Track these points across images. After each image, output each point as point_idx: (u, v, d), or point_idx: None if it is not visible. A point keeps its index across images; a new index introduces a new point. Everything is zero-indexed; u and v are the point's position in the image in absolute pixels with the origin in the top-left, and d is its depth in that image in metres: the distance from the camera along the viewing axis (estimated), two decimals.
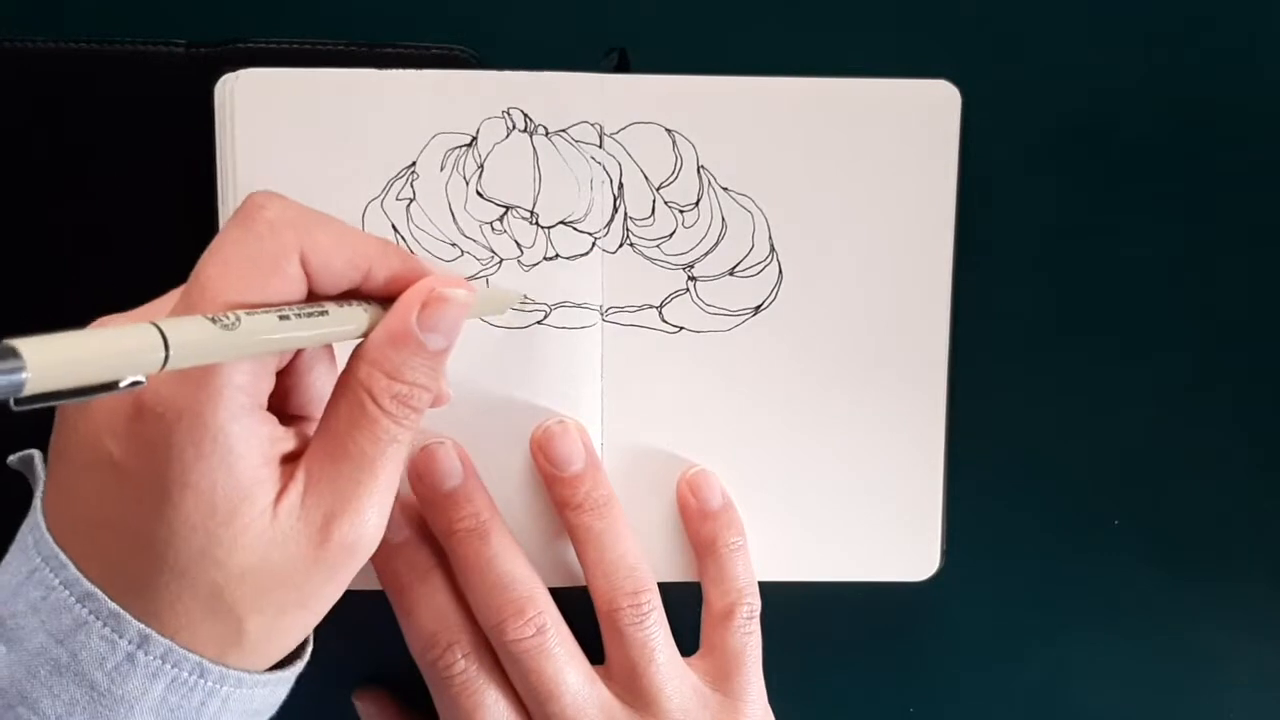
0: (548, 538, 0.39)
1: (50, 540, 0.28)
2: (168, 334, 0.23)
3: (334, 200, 0.36)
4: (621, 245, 0.38)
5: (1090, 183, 0.42)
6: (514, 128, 0.37)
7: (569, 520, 0.38)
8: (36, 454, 0.31)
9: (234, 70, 0.36)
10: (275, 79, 0.36)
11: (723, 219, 0.38)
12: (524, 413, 0.38)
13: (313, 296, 0.29)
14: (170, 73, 0.38)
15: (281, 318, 0.27)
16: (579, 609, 0.37)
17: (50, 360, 0.20)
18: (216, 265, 0.28)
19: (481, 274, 0.38)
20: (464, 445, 0.37)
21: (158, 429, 0.27)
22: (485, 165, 0.37)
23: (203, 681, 0.28)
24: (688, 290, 0.39)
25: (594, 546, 0.37)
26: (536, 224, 0.38)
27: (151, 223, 0.39)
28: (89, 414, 0.28)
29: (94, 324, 0.28)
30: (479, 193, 0.37)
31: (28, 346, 0.20)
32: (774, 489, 0.40)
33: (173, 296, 0.29)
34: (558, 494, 0.38)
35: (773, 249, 0.39)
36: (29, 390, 0.20)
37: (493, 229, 0.37)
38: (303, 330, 0.28)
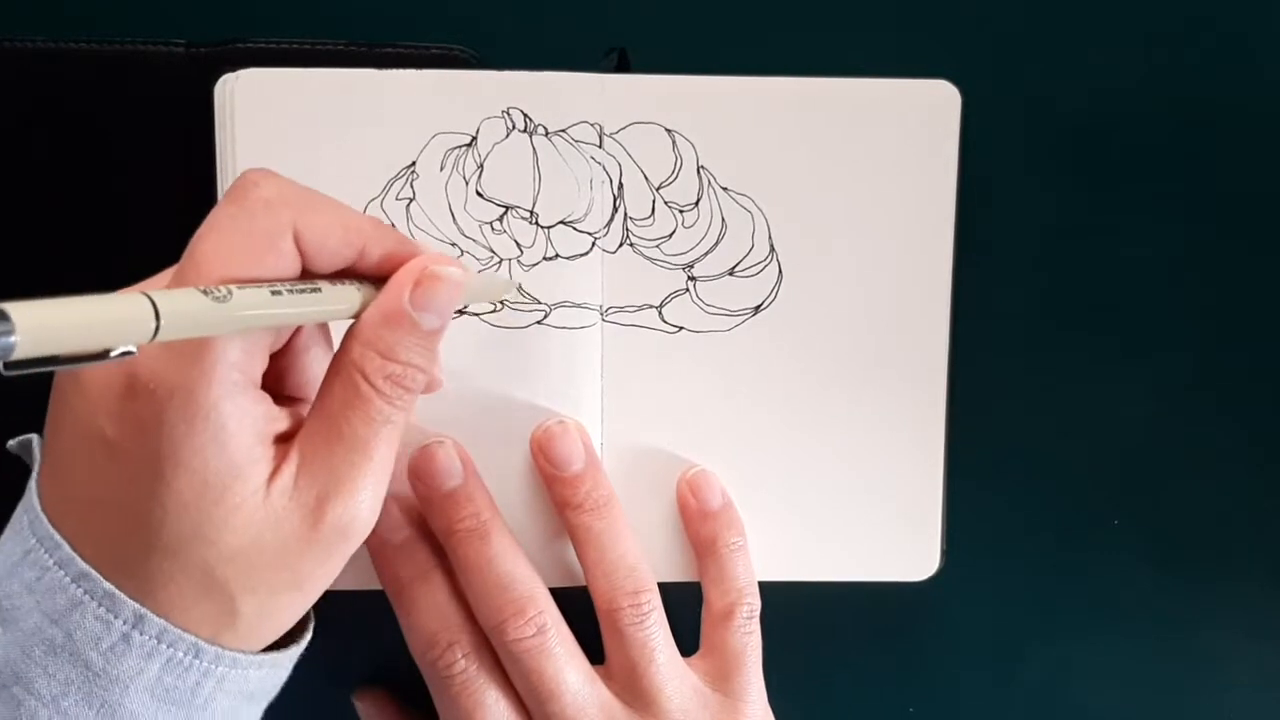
0: (548, 537, 0.39)
1: (45, 520, 0.28)
2: (159, 304, 0.23)
3: None
4: (621, 245, 0.38)
5: (1090, 182, 0.42)
6: (514, 128, 0.37)
7: (569, 520, 0.38)
8: (35, 438, 0.31)
9: (234, 70, 0.36)
10: (275, 79, 0.36)
11: (722, 219, 0.38)
12: (524, 413, 0.38)
13: (306, 275, 0.29)
14: (170, 73, 0.38)
15: (274, 293, 0.27)
16: (579, 609, 0.37)
17: (40, 324, 0.20)
18: (210, 241, 0.27)
19: (481, 274, 0.38)
20: (464, 445, 0.37)
21: (150, 406, 0.27)
22: (485, 165, 0.37)
23: (198, 662, 0.28)
24: (687, 290, 0.39)
25: (594, 546, 0.37)
26: (536, 224, 0.38)
27: (151, 222, 0.39)
28: (82, 391, 0.28)
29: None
30: (479, 193, 0.37)
31: (17, 310, 0.20)
32: (774, 489, 0.40)
33: (166, 274, 0.29)
34: (558, 494, 0.38)
35: (772, 249, 0.39)
36: (18, 354, 0.20)
37: (492, 229, 0.37)
38: (295, 307, 0.27)
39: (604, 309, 0.38)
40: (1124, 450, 0.43)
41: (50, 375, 0.28)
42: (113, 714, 0.28)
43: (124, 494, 0.27)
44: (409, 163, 0.37)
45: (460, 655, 0.36)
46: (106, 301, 0.22)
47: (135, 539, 0.28)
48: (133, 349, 0.23)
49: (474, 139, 0.37)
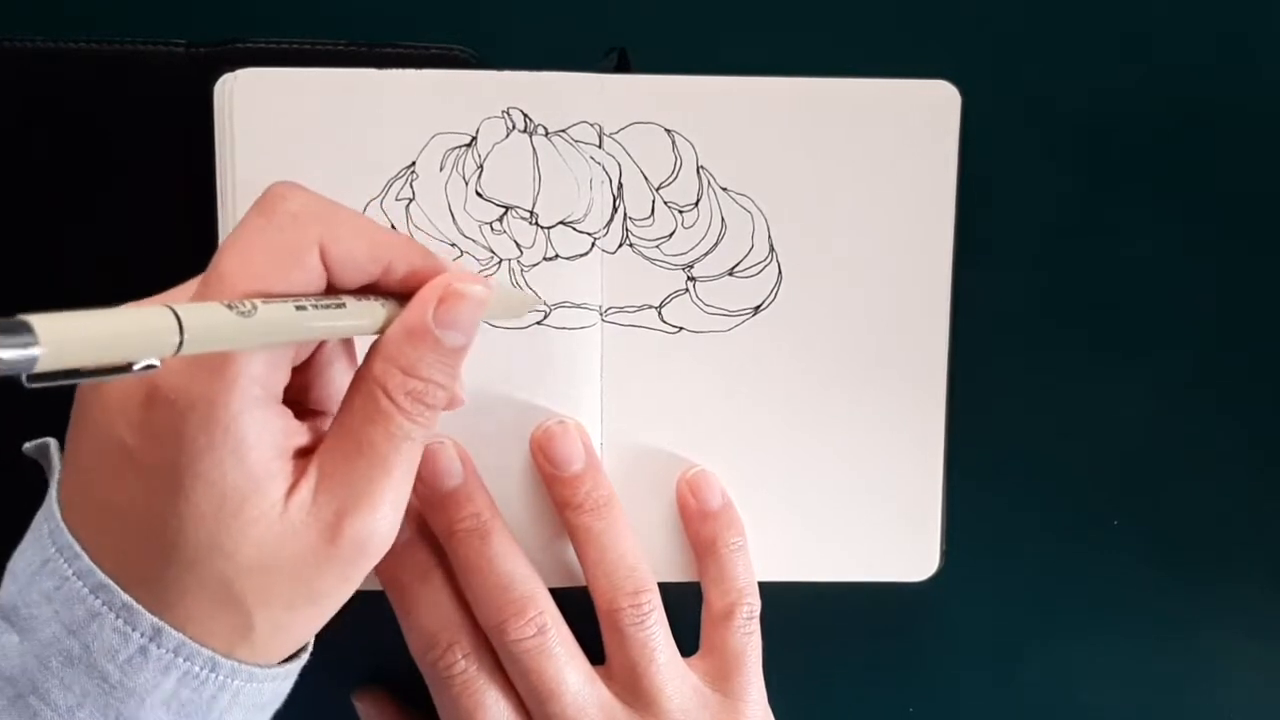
0: (548, 538, 0.39)
1: (65, 530, 0.28)
2: (183, 318, 0.23)
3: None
4: (621, 245, 0.38)
5: (1090, 182, 0.42)
6: (513, 128, 0.37)
7: (569, 520, 0.38)
8: (52, 441, 0.31)
9: (234, 70, 0.36)
10: (275, 79, 0.36)
11: (722, 219, 0.38)
12: (524, 413, 0.38)
13: (331, 290, 0.29)
14: (170, 73, 0.38)
15: (298, 308, 0.27)
16: (579, 609, 0.37)
17: (64, 337, 0.20)
18: (236, 254, 0.27)
19: (481, 274, 0.38)
20: (464, 445, 0.37)
21: (170, 417, 0.27)
22: (485, 165, 0.37)
23: (214, 676, 0.28)
24: (687, 290, 0.39)
25: (594, 546, 0.37)
26: (536, 224, 0.38)
27: (152, 223, 0.39)
28: (104, 401, 0.28)
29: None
30: (478, 193, 0.37)
31: (42, 322, 0.20)
32: (774, 489, 0.40)
33: (190, 285, 0.29)
34: (558, 494, 0.38)
35: (772, 249, 0.39)
36: (41, 367, 0.20)
37: (492, 229, 0.37)
38: (319, 322, 0.27)
39: (604, 309, 0.38)
40: (1124, 450, 0.43)
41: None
42: None
43: (143, 505, 0.27)
44: (409, 163, 0.37)
45: (460, 656, 0.36)
46: (131, 315, 0.22)
47: (153, 550, 0.28)
48: (155, 362, 0.23)
49: (474, 139, 0.37)
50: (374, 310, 0.29)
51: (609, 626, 0.37)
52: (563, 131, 0.37)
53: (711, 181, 0.38)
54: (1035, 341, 0.43)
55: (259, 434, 0.27)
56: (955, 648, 0.44)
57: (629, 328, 0.38)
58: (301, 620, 0.30)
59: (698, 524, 0.39)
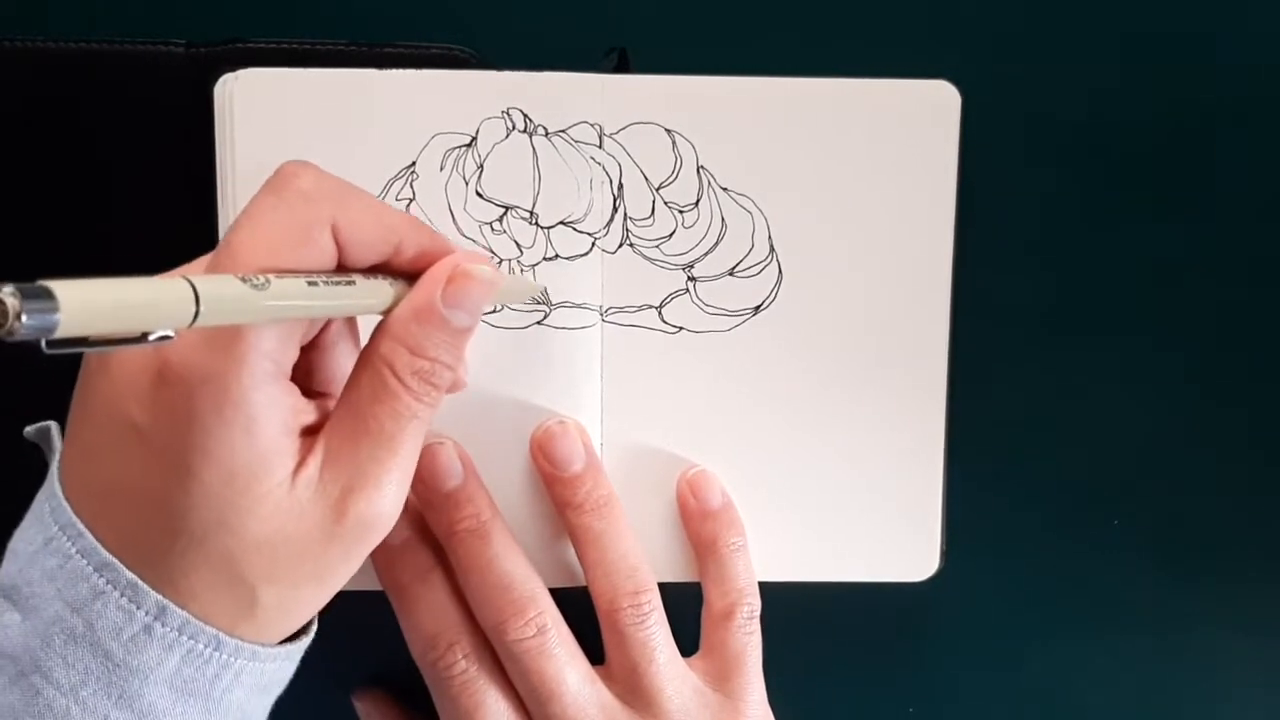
0: (548, 538, 0.39)
1: (67, 508, 0.28)
2: (199, 289, 0.23)
3: None
4: (621, 245, 0.38)
5: (1090, 182, 0.42)
6: (513, 128, 0.37)
7: (569, 520, 0.38)
8: (53, 425, 0.31)
9: (234, 70, 0.36)
10: (275, 79, 0.36)
11: (722, 219, 0.38)
12: (524, 413, 0.38)
13: (340, 269, 0.29)
14: (170, 73, 0.38)
15: (310, 284, 0.27)
16: (579, 609, 0.37)
17: (83, 304, 0.20)
18: (248, 230, 0.28)
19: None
20: (464, 445, 0.37)
21: (180, 393, 0.27)
22: (485, 165, 0.37)
23: (218, 654, 0.28)
24: (687, 290, 0.39)
25: (594, 547, 0.37)
26: (536, 224, 0.38)
27: (151, 222, 0.39)
28: (111, 377, 0.28)
29: None
30: (478, 193, 0.37)
31: (62, 288, 0.20)
32: (774, 489, 0.40)
33: (199, 263, 0.29)
34: (558, 494, 0.38)
35: (772, 249, 0.39)
36: (61, 333, 0.20)
37: (492, 229, 0.37)
38: (330, 299, 0.28)
39: (604, 309, 0.38)
40: (1124, 450, 0.43)
41: (72, 364, 0.28)
42: (131, 705, 0.28)
43: (149, 481, 0.27)
44: (409, 163, 0.37)
45: (460, 656, 0.36)
46: (148, 284, 0.22)
47: (159, 527, 0.28)
48: (170, 333, 0.23)
49: (474, 139, 0.37)
50: (383, 289, 0.30)
51: (609, 627, 0.37)
52: (563, 131, 0.37)
53: (711, 181, 0.38)
54: (1035, 341, 0.43)
55: (269, 411, 0.28)
56: (955, 648, 0.44)
57: (629, 328, 0.38)
58: (305, 597, 0.30)
59: (698, 524, 0.39)
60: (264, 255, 0.27)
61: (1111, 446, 0.43)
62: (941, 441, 0.40)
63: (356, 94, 0.36)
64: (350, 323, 0.33)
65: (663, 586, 0.38)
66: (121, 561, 0.28)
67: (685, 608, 0.39)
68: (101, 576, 0.27)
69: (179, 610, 0.28)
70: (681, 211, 0.38)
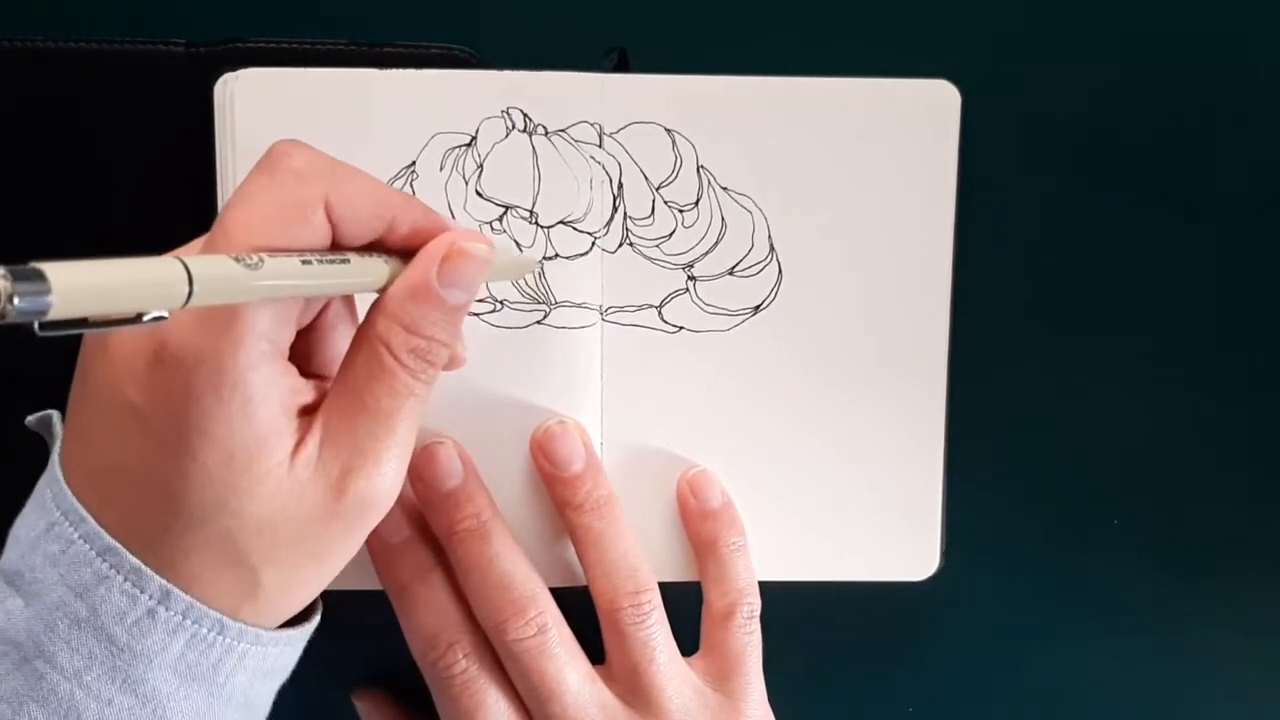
0: (548, 537, 0.39)
1: (69, 494, 0.28)
2: (192, 268, 0.23)
3: None
4: (621, 245, 0.38)
5: (1090, 182, 0.42)
6: (513, 127, 0.37)
7: (570, 520, 0.38)
8: (55, 414, 0.31)
9: (234, 70, 0.36)
10: (275, 79, 0.36)
11: (722, 219, 0.38)
12: (524, 413, 0.38)
13: (335, 247, 0.29)
14: (170, 73, 0.38)
15: (304, 262, 0.27)
16: (579, 609, 0.37)
17: (75, 285, 0.20)
18: (241, 210, 0.28)
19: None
20: (464, 445, 0.37)
21: (178, 374, 0.27)
22: (485, 165, 0.37)
23: (221, 638, 0.29)
24: (687, 290, 0.39)
25: (595, 546, 0.37)
26: (536, 224, 0.38)
27: (151, 222, 0.39)
28: (109, 360, 0.28)
29: None
30: (478, 192, 0.37)
31: (54, 270, 0.20)
32: (774, 489, 0.40)
33: (194, 245, 0.29)
34: (558, 494, 0.38)
35: (772, 249, 0.39)
36: (54, 315, 0.20)
37: (492, 229, 0.37)
38: (325, 278, 0.28)
39: (604, 309, 0.38)
40: (1124, 450, 0.43)
41: (71, 352, 0.28)
42: (135, 689, 0.28)
43: (149, 464, 0.27)
44: (409, 163, 0.37)
45: (461, 655, 0.36)
46: (140, 264, 0.22)
47: (159, 509, 0.28)
48: (164, 314, 0.23)
49: (474, 139, 0.37)
50: (377, 267, 0.29)
51: (609, 626, 0.37)
52: (563, 131, 0.37)
53: (711, 181, 0.38)
54: (1035, 341, 0.43)
55: (266, 391, 0.28)
56: (955, 648, 0.44)
57: (629, 327, 0.38)
58: (306, 578, 0.30)
59: (698, 524, 0.39)
60: (257, 234, 0.27)
61: (1111, 446, 0.43)
62: (941, 441, 0.40)
63: (356, 94, 0.36)
64: (349, 304, 0.33)
65: (663, 586, 0.38)
66: (124, 545, 0.28)
67: (685, 607, 0.39)
68: (104, 561, 0.28)
69: (183, 594, 0.28)
70: (681, 211, 0.38)
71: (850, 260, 0.39)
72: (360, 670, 0.42)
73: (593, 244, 0.38)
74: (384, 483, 0.30)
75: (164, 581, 0.28)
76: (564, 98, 0.37)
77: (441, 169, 0.37)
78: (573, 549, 0.38)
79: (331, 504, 0.29)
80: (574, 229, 0.38)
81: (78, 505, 0.28)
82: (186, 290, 0.23)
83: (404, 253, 0.30)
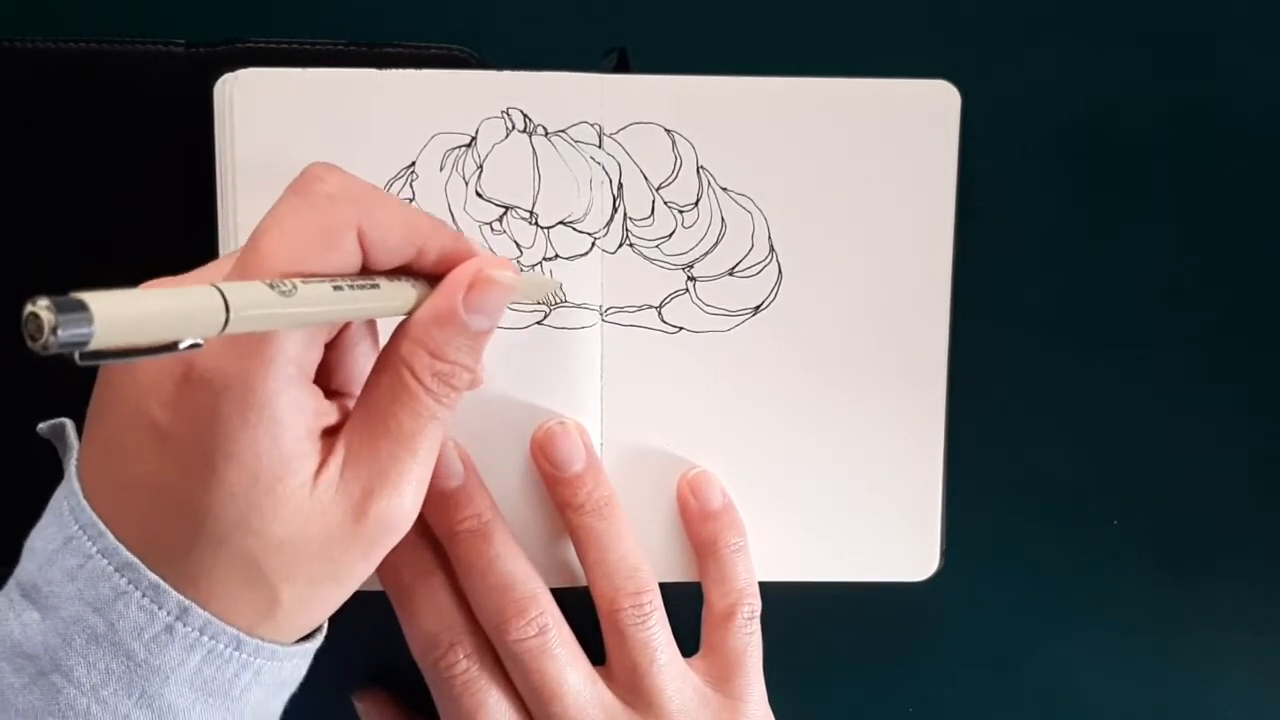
0: (549, 538, 0.39)
1: (88, 508, 0.28)
2: (229, 297, 0.23)
3: None
4: (621, 245, 0.38)
5: (1090, 182, 0.42)
6: (513, 128, 0.37)
7: (570, 521, 0.38)
8: (68, 422, 0.31)
9: (234, 70, 0.36)
10: (275, 79, 0.36)
11: (722, 219, 0.38)
12: (524, 413, 0.38)
13: (364, 270, 0.29)
14: (170, 73, 0.38)
15: (336, 288, 0.27)
16: (580, 609, 0.37)
17: (116, 315, 0.20)
18: (274, 234, 0.28)
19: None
20: (465, 445, 0.37)
21: (206, 396, 0.27)
22: (484, 165, 0.37)
23: (238, 654, 0.29)
24: (687, 290, 0.39)
25: (595, 547, 0.37)
26: (536, 224, 0.38)
27: (151, 222, 0.39)
28: (133, 378, 0.28)
29: (144, 285, 0.28)
30: (478, 193, 0.37)
31: (96, 300, 0.20)
32: (774, 489, 0.40)
33: (216, 266, 0.29)
34: (559, 495, 0.38)
35: (772, 249, 0.39)
36: (94, 345, 0.20)
37: (492, 229, 0.37)
38: (355, 303, 0.28)
39: (604, 309, 0.38)
40: (1124, 450, 0.43)
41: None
42: (151, 704, 0.28)
43: (172, 482, 0.27)
44: (409, 163, 0.37)
45: (462, 656, 0.36)
46: (180, 294, 0.22)
47: (180, 527, 0.28)
48: (200, 341, 0.23)
49: (474, 139, 0.37)
50: (405, 291, 0.30)
51: (610, 627, 0.37)
52: (563, 131, 0.37)
53: (711, 181, 0.38)
54: (1035, 341, 0.43)
55: (293, 414, 0.28)
56: (955, 648, 0.44)
57: (629, 328, 0.38)
58: (323, 597, 0.30)
59: (698, 524, 0.39)
60: (290, 259, 0.27)
61: (1111, 446, 0.43)
62: (941, 441, 0.40)
63: (356, 94, 0.36)
64: (370, 324, 0.33)
65: (663, 587, 0.38)
66: (142, 561, 0.28)
67: (685, 608, 0.39)
68: (123, 577, 0.28)
69: (201, 610, 0.28)
70: (681, 211, 0.38)
71: (850, 260, 0.39)
72: (360, 670, 0.42)
73: (592, 244, 0.38)
74: (404, 505, 0.30)
75: (182, 597, 0.28)
76: (564, 98, 0.37)
77: (441, 169, 0.37)
78: (573, 549, 0.38)
79: (352, 525, 0.29)
80: (574, 229, 0.38)
81: (96, 519, 0.28)
82: (224, 318, 0.23)
83: (431, 276, 0.31)
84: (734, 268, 0.39)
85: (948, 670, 0.44)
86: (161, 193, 0.38)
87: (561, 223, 0.38)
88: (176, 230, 0.38)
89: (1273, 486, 0.44)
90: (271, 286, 0.25)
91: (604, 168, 0.38)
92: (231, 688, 0.29)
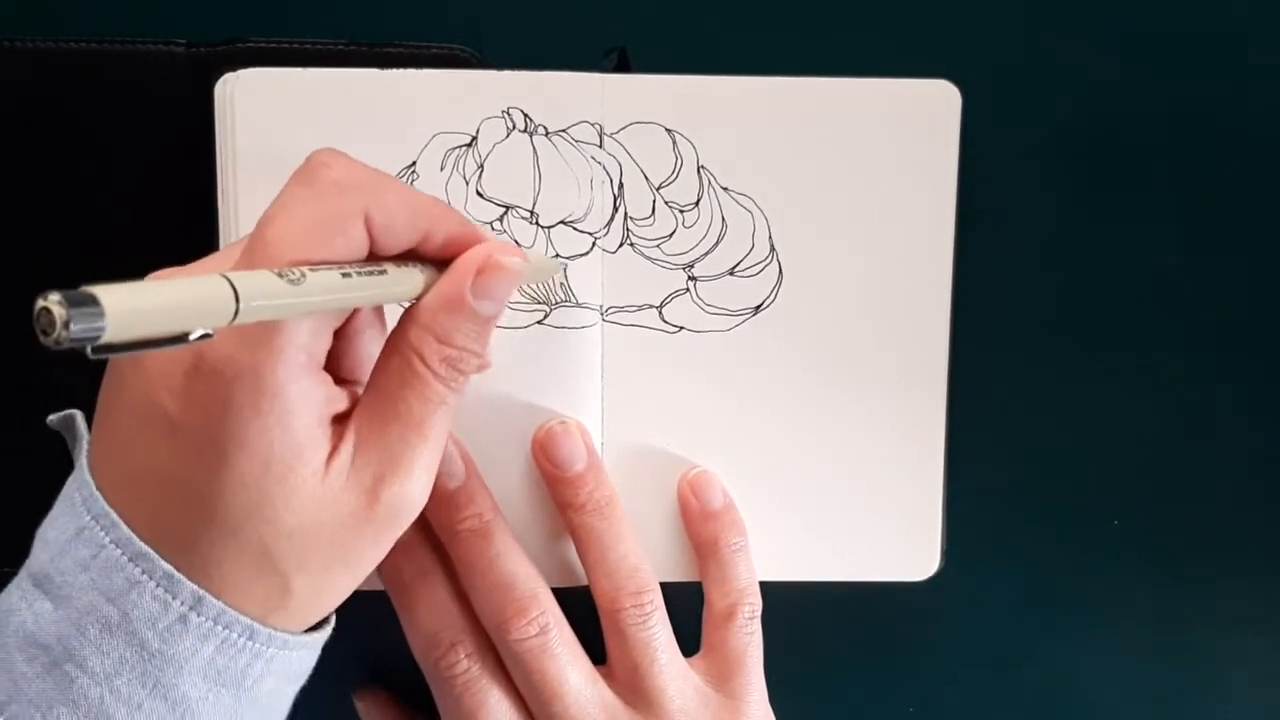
0: (549, 537, 0.39)
1: (100, 498, 0.28)
2: (238, 287, 0.23)
3: None
4: (621, 245, 0.38)
5: (1090, 182, 0.42)
6: (514, 128, 0.37)
7: (571, 520, 0.38)
8: (78, 414, 0.31)
9: (234, 70, 0.36)
10: (275, 79, 0.36)
11: (723, 219, 0.38)
12: (525, 413, 0.38)
13: (371, 257, 0.29)
14: (170, 73, 0.38)
15: (344, 275, 0.27)
16: (581, 609, 0.37)
17: (127, 309, 0.20)
18: (281, 222, 0.28)
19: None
20: (465, 445, 0.37)
21: (216, 386, 0.27)
22: (485, 165, 0.37)
23: (251, 643, 0.29)
24: (688, 290, 0.39)
25: (596, 547, 0.37)
26: (536, 224, 0.38)
27: (151, 223, 0.39)
28: (142, 369, 0.28)
29: (151, 276, 0.28)
30: (479, 193, 0.37)
31: (107, 294, 0.20)
32: (774, 489, 0.40)
33: (222, 255, 0.29)
34: (560, 494, 0.38)
35: (773, 249, 0.39)
36: (106, 339, 0.20)
37: (493, 229, 0.37)
38: (363, 290, 0.28)
39: (604, 309, 0.38)
40: (1124, 450, 0.43)
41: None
42: (165, 694, 0.28)
43: (183, 472, 0.27)
44: (409, 163, 0.37)
45: (463, 655, 0.36)
46: (189, 285, 0.22)
47: (193, 517, 0.28)
48: (210, 332, 0.23)
49: (474, 139, 0.37)
50: (413, 277, 0.30)
51: (611, 627, 0.37)
52: (563, 131, 0.37)
53: (712, 181, 0.38)
54: (1035, 341, 0.43)
55: (304, 402, 0.28)
56: (955, 648, 0.44)
57: (629, 327, 0.38)
58: (335, 583, 0.30)
59: (699, 524, 0.39)
60: (298, 247, 0.27)
61: (1111, 446, 0.43)
62: (942, 441, 0.40)
63: (356, 94, 0.36)
64: (377, 311, 0.33)
65: (664, 586, 0.38)
66: (155, 551, 0.28)
67: (686, 608, 0.39)
68: (137, 566, 0.28)
69: (215, 601, 0.28)
70: (682, 211, 0.38)
71: (851, 260, 0.39)
72: (360, 670, 0.42)
73: (593, 244, 0.38)
74: (415, 489, 0.30)
75: (196, 587, 0.28)
76: (564, 98, 0.37)
77: (442, 169, 0.37)
78: (574, 549, 0.38)
79: (364, 511, 0.29)
80: (574, 229, 0.38)
81: (109, 510, 0.28)
82: (233, 309, 0.23)
83: (437, 261, 0.31)
84: (734, 268, 0.39)
85: (948, 670, 0.44)
86: (162, 193, 0.38)
87: (562, 222, 0.38)
88: (177, 230, 0.38)
89: (1273, 486, 0.44)
90: (280, 275, 0.25)
91: (604, 167, 0.38)
92: (244, 677, 0.29)
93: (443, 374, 0.30)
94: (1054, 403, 0.43)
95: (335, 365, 0.32)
